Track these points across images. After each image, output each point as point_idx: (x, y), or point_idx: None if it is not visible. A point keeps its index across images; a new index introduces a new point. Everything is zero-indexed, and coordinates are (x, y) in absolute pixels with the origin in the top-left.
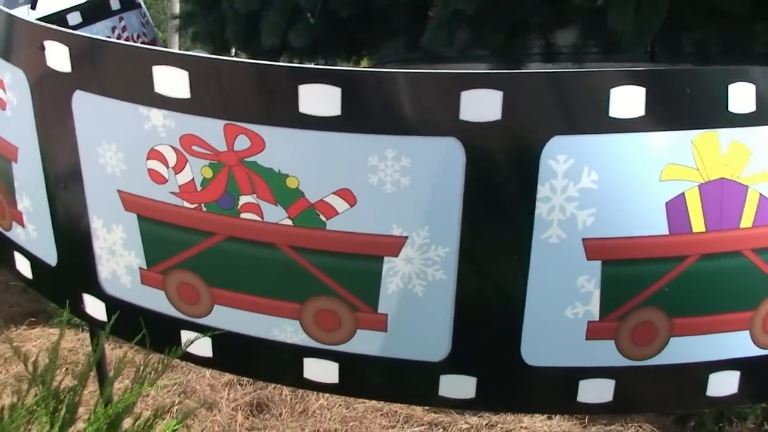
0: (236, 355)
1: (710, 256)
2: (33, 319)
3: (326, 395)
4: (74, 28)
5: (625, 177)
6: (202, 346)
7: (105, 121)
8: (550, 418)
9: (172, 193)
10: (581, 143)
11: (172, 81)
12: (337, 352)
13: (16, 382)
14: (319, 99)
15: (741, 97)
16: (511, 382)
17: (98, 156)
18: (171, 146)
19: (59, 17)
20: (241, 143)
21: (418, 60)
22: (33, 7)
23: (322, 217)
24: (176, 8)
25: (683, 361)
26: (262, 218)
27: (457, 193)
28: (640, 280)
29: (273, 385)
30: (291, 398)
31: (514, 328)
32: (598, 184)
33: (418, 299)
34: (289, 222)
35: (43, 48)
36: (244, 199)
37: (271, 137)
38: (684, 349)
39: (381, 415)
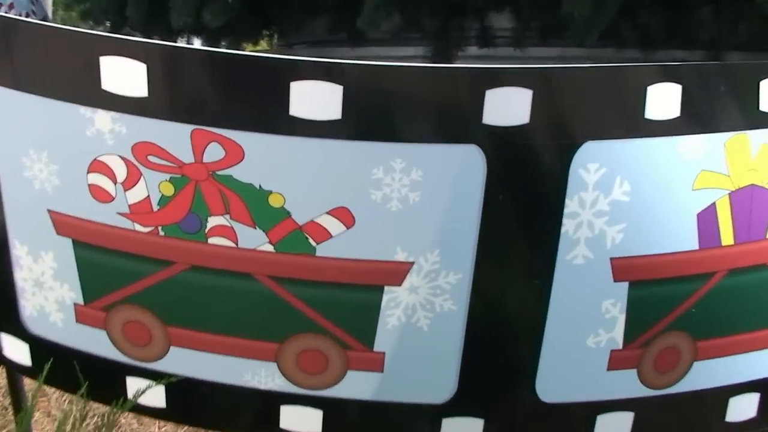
0: (196, 404)
1: (737, 270)
2: None
3: None
4: None
5: (658, 187)
6: (154, 395)
7: (32, 125)
8: None
9: (120, 213)
10: (614, 149)
11: (125, 76)
12: (322, 398)
13: None
14: (316, 99)
15: None
16: (522, 422)
17: (23, 168)
18: (120, 156)
19: None
20: (213, 153)
21: (336, 42)
22: None
23: (311, 241)
24: None
25: (704, 387)
26: (236, 243)
27: (474, 210)
28: (667, 302)
29: None
30: None
31: (530, 361)
32: (629, 196)
33: (422, 334)
34: (269, 248)
35: None
36: (213, 221)
37: (252, 146)
38: (706, 374)
39: None
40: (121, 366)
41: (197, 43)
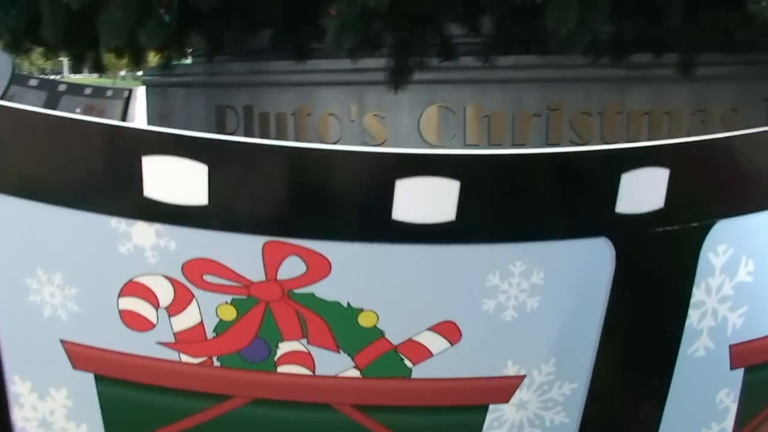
0: None
1: None
2: None
3: None
4: None
5: None
6: None
7: (41, 240)
8: None
9: (162, 343)
10: (743, 227)
11: (177, 179)
12: None
13: None
14: (428, 199)
15: None
16: None
17: (26, 291)
18: (166, 277)
19: None
20: (291, 268)
21: (279, 55)
22: None
23: (407, 362)
24: None
25: None
26: (314, 371)
27: (598, 311)
28: None
29: None
30: None
31: None
32: (753, 276)
33: None
34: (355, 373)
35: None
36: (285, 347)
37: (341, 257)
38: None
39: None
40: None
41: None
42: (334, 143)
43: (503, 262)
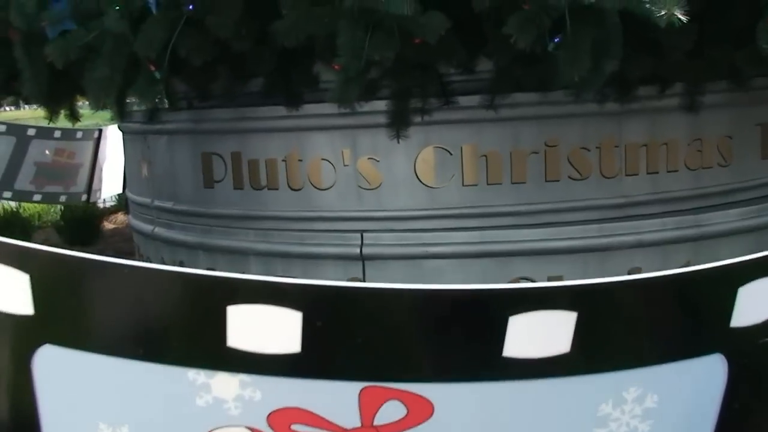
0: None
1: None
2: None
3: None
4: None
5: None
6: None
7: (105, 392)
8: None
9: None
10: None
11: (266, 329)
12: None
13: None
14: (539, 333)
15: None
16: None
17: None
18: (249, 428)
19: None
20: (390, 413)
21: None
22: None
23: None
24: None
25: None
26: None
27: (709, 425)
28: None
29: None
30: None
31: None
32: None
33: None
34: None
35: None
36: None
37: (445, 399)
38: None
39: None
40: None
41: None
42: (328, 189)
43: (617, 390)
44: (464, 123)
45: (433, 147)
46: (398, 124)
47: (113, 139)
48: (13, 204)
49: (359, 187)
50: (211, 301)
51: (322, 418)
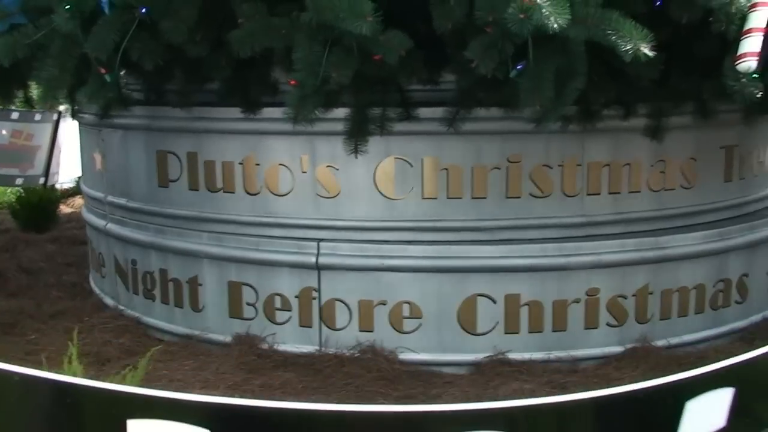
0: None
1: None
2: None
3: None
4: None
5: None
6: None
7: None
8: None
9: None
10: None
11: None
12: None
13: None
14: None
15: None
16: None
17: None
18: None
19: None
20: None
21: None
22: None
23: None
24: None
25: None
26: None
27: None
28: None
29: None
30: None
31: None
32: None
33: None
34: None
35: None
36: None
37: None
38: None
39: None
40: None
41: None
42: (285, 195)
43: None
44: (426, 135)
45: (394, 158)
46: (356, 137)
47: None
48: None
49: (317, 195)
50: (110, 415)
51: None
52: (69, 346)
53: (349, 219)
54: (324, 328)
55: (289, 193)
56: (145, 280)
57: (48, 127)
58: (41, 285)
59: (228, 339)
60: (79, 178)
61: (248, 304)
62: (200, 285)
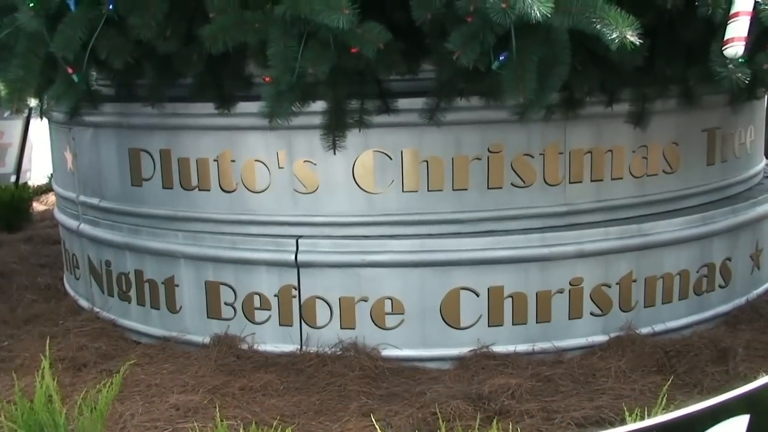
0: None
1: None
2: None
3: None
4: None
5: None
6: None
7: None
8: None
9: None
10: None
11: None
12: None
13: None
14: None
15: None
16: None
17: None
18: None
19: None
20: None
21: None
22: None
23: None
24: None
25: None
26: None
27: None
28: None
29: None
30: None
31: None
32: None
33: None
34: None
35: None
36: None
37: None
38: None
39: None
40: None
41: None
42: (262, 191)
43: None
44: (405, 127)
45: (373, 151)
46: (334, 131)
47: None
48: None
49: (295, 190)
50: None
51: None
52: (44, 353)
53: (328, 214)
54: (305, 327)
55: (266, 189)
56: (120, 282)
57: (18, 124)
58: (14, 288)
59: (207, 340)
60: (52, 175)
61: (226, 304)
62: (177, 285)
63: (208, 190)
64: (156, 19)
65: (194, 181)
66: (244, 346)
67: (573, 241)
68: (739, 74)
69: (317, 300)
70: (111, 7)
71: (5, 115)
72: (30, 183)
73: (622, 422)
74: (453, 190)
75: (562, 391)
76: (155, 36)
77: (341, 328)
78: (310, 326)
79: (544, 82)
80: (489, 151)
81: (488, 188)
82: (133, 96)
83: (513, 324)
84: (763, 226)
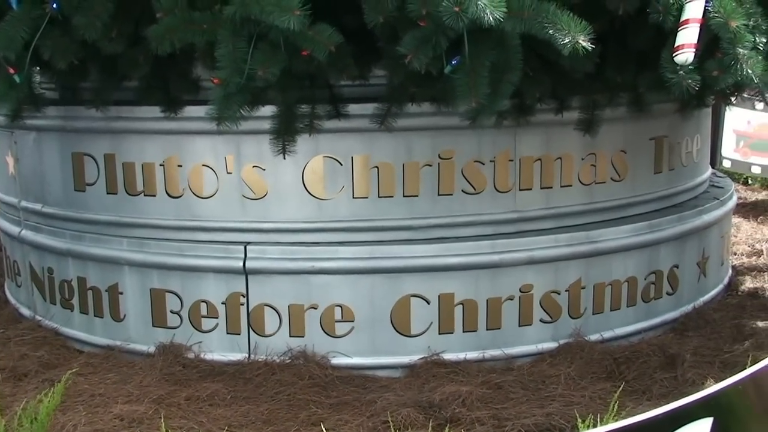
0: None
1: None
2: None
3: None
4: None
5: None
6: None
7: None
8: None
9: None
10: None
11: None
12: None
13: None
14: None
15: None
16: None
17: None
18: None
19: None
20: None
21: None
22: None
23: None
24: None
25: None
26: None
27: None
28: None
29: None
30: None
31: None
32: None
33: None
34: None
35: None
36: None
37: None
38: None
39: None
40: None
41: None
42: (210, 197)
43: None
44: (356, 132)
45: (323, 156)
46: (284, 136)
47: None
48: None
49: (243, 196)
50: None
51: None
52: None
53: (277, 221)
54: (253, 335)
55: (213, 195)
56: (63, 289)
57: None
58: None
59: (152, 349)
60: None
61: (172, 312)
62: (121, 293)
63: (154, 196)
64: (101, 18)
65: (139, 186)
66: (191, 355)
67: (523, 248)
68: (690, 80)
69: (266, 308)
70: (55, 6)
71: None
72: None
73: (573, 429)
74: (404, 196)
75: (512, 398)
76: (100, 36)
77: (290, 336)
78: (258, 334)
79: (496, 87)
80: (440, 157)
81: (439, 195)
82: (77, 99)
83: (463, 331)
84: (710, 234)
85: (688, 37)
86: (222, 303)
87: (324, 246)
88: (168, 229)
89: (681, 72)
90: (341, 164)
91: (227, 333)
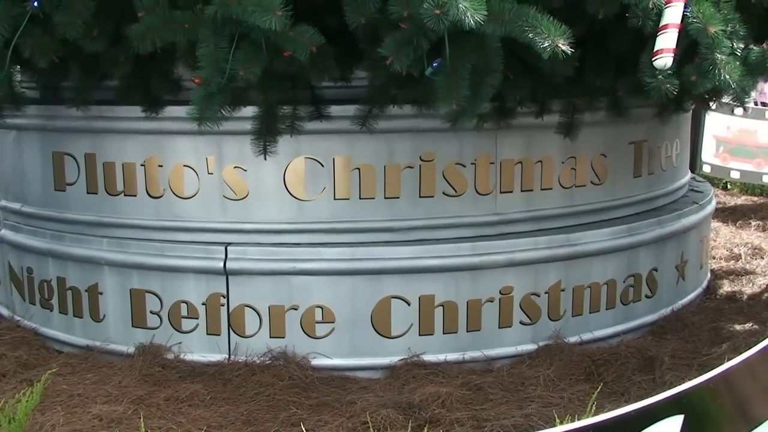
0: None
1: None
2: None
3: None
4: None
5: None
6: None
7: None
8: None
9: None
10: None
11: None
12: None
13: None
14: None
15: None
16: None
17: None
18: None
19: None
20: None
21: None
22: None
23: None
24: None
25: None
26: None
27: None
28: None
29: None
30: None
31: None
32: None
33: None
34: None
35: None
36: None
37: None
38: None
39: None
40: None
41: None
42: (191, 198)
43: None
44: (337, 134)
45: (304, 157)
46: (265, 136)
47: None
48: None
49: (224, 197)
50: None
51: None
52: None
53: (258, 222)
54: (233, 336)
55: (194, 195)
56: (42, 289)
57: None
58: None
59: (131, 350)
60: None
61: (152, 312)
62: (101, 293)
63: (135, 196)
64: (83, 17)
65: (120, 186)
66: (170, 356)
67: (503, 250)
68: (668, 85)
69: (246, 308)
70: (36, 4)
71: None
72: None
73: None
74: (385, 198)
75: (491, 400)
76: (82, 35)
77: (270, 337)
78: (238, 335)
79: (476, 90)
80: (421, 159)
81: (420, 197)
82: (58, 98)
83: (443, 333)
84: (688, 238)
85: (666, 42)
86: (202, 304)
87: (305, 247)
88: (148, 229)
89: (660, 76)
90: (322, 165)
91: (207, 334)
